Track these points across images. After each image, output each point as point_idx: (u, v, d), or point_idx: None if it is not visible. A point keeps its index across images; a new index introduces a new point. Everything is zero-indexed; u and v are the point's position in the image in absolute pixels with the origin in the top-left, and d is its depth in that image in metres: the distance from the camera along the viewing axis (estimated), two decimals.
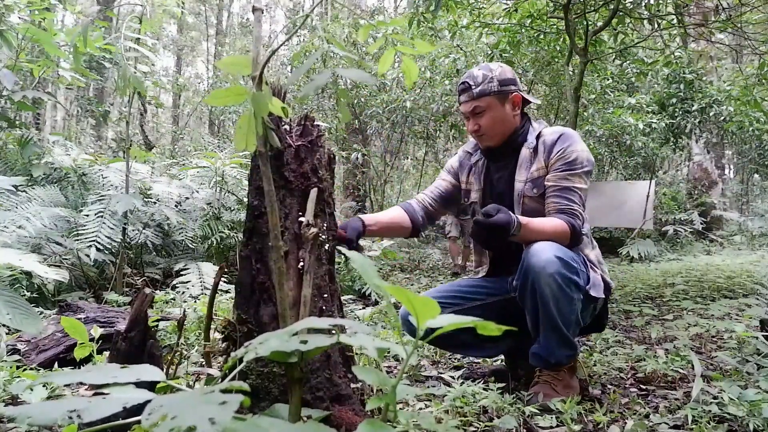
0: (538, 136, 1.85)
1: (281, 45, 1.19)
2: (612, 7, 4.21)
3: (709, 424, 1.43)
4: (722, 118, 6.05)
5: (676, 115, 6.14)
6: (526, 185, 1.82)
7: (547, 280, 1.58)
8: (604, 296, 1.78)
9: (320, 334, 0.80)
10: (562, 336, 1.64)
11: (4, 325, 2.22)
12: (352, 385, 1.30)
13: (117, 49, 2.98)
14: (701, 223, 9.00)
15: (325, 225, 1.34)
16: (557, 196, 1.75)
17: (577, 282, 1.63)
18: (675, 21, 4.84)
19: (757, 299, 3.48)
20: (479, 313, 1.86)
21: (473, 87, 1.82)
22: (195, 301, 3.13)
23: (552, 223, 1.71)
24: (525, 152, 1.85)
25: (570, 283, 1.60)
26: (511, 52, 5.42)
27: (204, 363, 1.36)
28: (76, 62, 2.83)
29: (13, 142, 4.41)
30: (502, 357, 2.26)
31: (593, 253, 1.85)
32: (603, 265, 1.87)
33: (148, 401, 0.60)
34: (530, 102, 1.91)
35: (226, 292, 3.27)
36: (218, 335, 1.41)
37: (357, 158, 7.90)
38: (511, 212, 1.62)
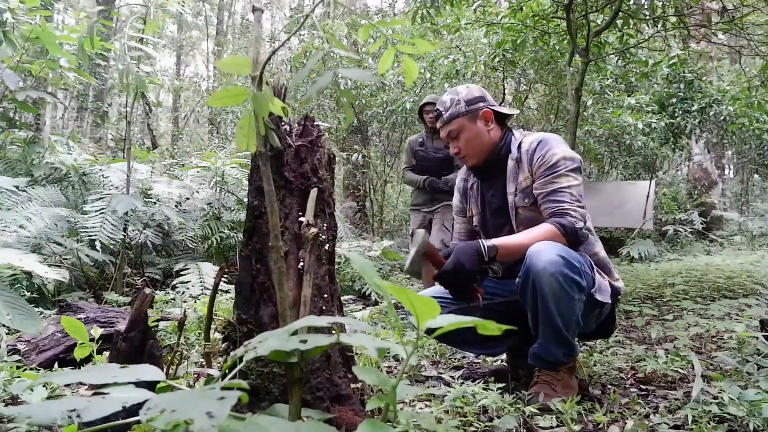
0: (519, 145, 1.86)
1: (281, 45, 1.19)
2: (614, 8, 4.21)
3: (709, 424, 1.43)
4: (722, 118, 6.05)
5: (676, 115, 6.14)
6: (517, 196, 1.84)
7: (548, 279, 1.57)
8: (610, 301, 1.76)
9: (320, 334, 0.80)
10: (561, 336, 1.64)
11: (4, 325, 2.22)
12: (352, 385, 1.30)
13: (120, 48, 2.98)
14: (701, 223, 8.99)
15: (325, 225, 1.34)
16: (546, 202, 1.76)
17: (579, 282, 1.62)
18: (678, 22, 4.84)
19: (757, 299, 3.48)
20: (484, 312, 1.85)
21: (443, 112, 1.88)
22: (195, 301, 3.14)
23: (536, 231, 1.71)
24: (510, 164, 1.87)
25: (571, 282, 1.59)
26: (513, 51, 5.42)
27: (204, 363, 1.36)
28: (84, 63, 2.84)
29: (16, 141, 4.41)
30: (502, 357, 2.27)
31: (602, 252, 1.85)
32: (610, 264, 1.86)
33: (148, 400, 0.60)
34: (506, 114, 1.92)
35: (226, 292, 3.27)
36: (218, 335, 1.41)
37: (357, 159, 7.90)
38: (474, 244, 1.67)
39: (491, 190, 1.96)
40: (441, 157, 4.36)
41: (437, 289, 2.05)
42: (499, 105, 1.98)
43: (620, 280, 1.87)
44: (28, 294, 3.11)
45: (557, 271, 1.57)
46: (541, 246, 1.62)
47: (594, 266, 1.76)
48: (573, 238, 1.70)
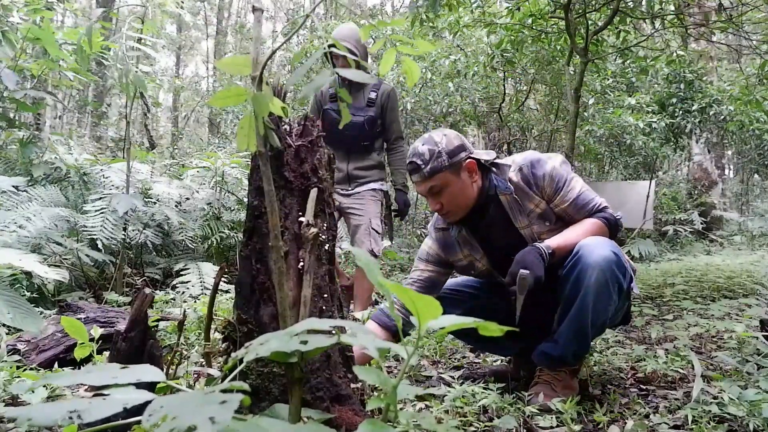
0: (510, 179, 1.76)
1: (281, 45, 1.19)
2: (612, 7, 4.21)
3: (709, 424, 1.43)
4: (722, 117, 6.05)
5: (676, 114, 6.14)
6: (535, 225, 1.74)
7: (597, 273, 1.57)
8: (639, 291, 1.82)
9: (320, 334, 0.80)
10: (584, 333, 1.63)
11: (4, 325, 2.22)
12: (352, 385, 1.30)
13: (119, 48, 2.99)
14: (701, 223, 8.99)
15: (325, 225, 1.34)
16: (579, 210, 1.74)
17: (622, 284, 1.63)
18: (676, 20, 4.84)
19: (757, 299, 3.48)
20: (497, 309, 1.85)
21: (423, 167, 1.69)
22: (195, 301, 3.14)
23: (585, 227, 1.71)
24: (506, 200, 1.75)
25: (615, 283, 1.60)
26: (513, 51, 5.43)
27: (204, 363, 1.36)
28: (83, 64, 2.83)
29: (15, 141, 4.41)
30: (503, 357, 2.27)
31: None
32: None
33: (149, 402, 0.60)
34: (487, 159, 1.77)
35: (226, 292, 3.27)
36: (218, 335, 1.41)
37: None
38: (533, 248, 1.62)
39: (492, 230, 1.81)
40: (361, 122, 3.11)
41: (461, 279, 2.04)
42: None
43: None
44: (28, 294, 3.11)
45: (608, 268, 1.57)
46: (594, 240, 1.63)
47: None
48: (615, 229, 1.75)
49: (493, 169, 1.78)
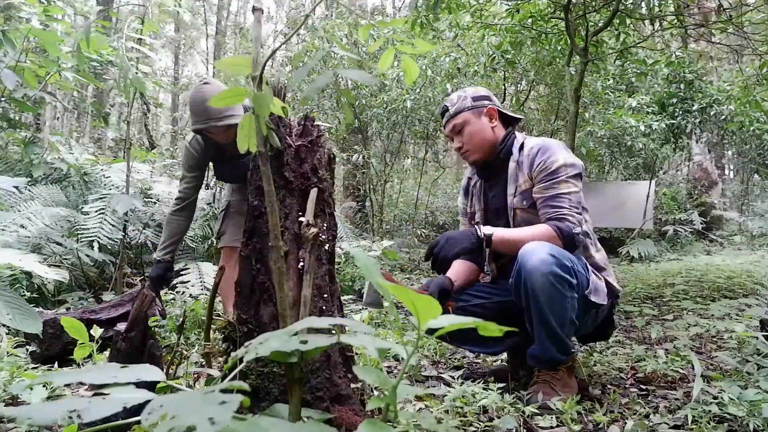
0: (521, 148, 1.90)
1: (281, 45, 1.19)
2: (612, 7, 4.21)
3: (709, 424, 1.43)
4: (722, 117, 6.05)
5: (676, 115, 6.13)
6: (515, 198, 1.87)
7: (539, 278, 1.59)
8: (606, 302, 1.77)
9: (320, 334, 0.80)
10: (556, 335, 1.64)
11: (3, 325, 2.22)
12: (352, 385, 1.30)
13: (118, 49, 2.98)
14: (701, 223, 8.99)
15: (325, 225, 1.34)
16: (546, 207, 1.78)
17: (570, 281, 1.62)
18: (675, 21, 4.84)
19: (757, 299, 3.48)
20: (484, 311, 1.88)
21: (450, 107, 1.95)
22: (196, 299, 3.14)
23: (533, 230, 1.74)
24: (512, 166, 1.91)
25: (562, 281, 1.60)
26: (513, 52, 5.42)
27: (204, 363, 1.36)
28: (81, 63, 2.82)
29: (15, 142, 4.41)
30: (502, 357, 2.27)
31: (598, 255, 1.86)
32: (608, 268, 1.86)
33: (148, 401, 0.60)
34: (510, 116, 1.98)
35: None
36: (218, 335, 1.41)
37: (357, 159, 7.90)
38: (470, 228, 1.75)
39: (493, 190, 2.00)
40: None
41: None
42: (502, 105, 2.03)
43: (616, 282, 1.87)
44: (28, 294, 3.11)
45: (548, 270, 1.58)
46: (532, 246, 1.64)
47: (589, 267, 1.76)
48: (569, 242, 1.72)
49: (519, 138, 1.95)
